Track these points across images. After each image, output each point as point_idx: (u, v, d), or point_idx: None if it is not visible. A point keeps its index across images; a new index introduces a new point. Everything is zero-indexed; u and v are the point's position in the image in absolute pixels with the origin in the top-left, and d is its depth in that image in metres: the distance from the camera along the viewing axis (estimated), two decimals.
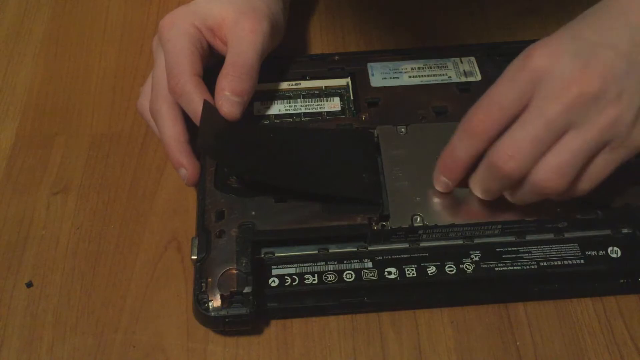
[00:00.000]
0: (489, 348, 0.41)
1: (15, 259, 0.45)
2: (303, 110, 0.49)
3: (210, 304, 0.40)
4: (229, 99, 0.44)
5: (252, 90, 0.45)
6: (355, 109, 0.49)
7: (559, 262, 0.42)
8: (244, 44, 0.45)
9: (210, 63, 0.47)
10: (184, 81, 0.43)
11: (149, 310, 0.43)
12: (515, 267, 0.42)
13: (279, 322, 0.42)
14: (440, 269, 0.42)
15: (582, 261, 0.42)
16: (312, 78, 0.51)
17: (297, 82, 0.50)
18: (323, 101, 0.49)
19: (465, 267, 0.42)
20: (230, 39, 0.46)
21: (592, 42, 0.36)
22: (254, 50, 0.45)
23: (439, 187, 0.42)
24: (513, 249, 0.43)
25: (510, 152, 0.37)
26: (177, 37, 0.45)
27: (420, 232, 0.42)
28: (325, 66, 0.52)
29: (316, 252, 0.43)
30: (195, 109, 0.43)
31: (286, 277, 0.42)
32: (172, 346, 0.41)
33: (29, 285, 0.44)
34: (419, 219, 0.42)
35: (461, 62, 0.51)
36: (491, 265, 0.42)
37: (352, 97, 0.50)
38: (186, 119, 0.45)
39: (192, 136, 0.45)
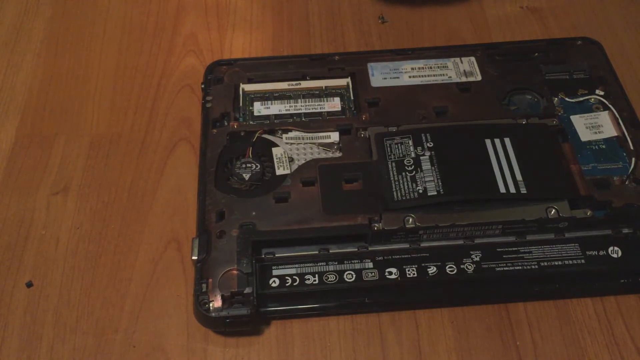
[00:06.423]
0: (489, 348, 0.41)
1: (15, 259, 0.45)
2: (303, 110, 0.49)
3: (210, 305, 0.40)
4: None
5: None
6: (356, 109, 0.49)
7: (560, 262, 0.42)
8: None
9: None
10: None
11: (149, 310, 0.43)
12: (515, 267, 0.42)
13: (279, 322, 0.42)
14: (441, 269, 0.42)
15: (582, 261, 0.42)
16: (312, 78, 0.51)
17: (297, 82, 0.50)
18: (323, 101, 0.49)
19: (466, 267, 0.42)
20: None
21: None
22: None
23: None
24: (514, 249, 0.43)
25: None
26: None
27: (421, 232, 0.42)
28: (325, 66, 0.52)
29: (317, 252, 0.43)
30: None
31: (287, 277, 0.42)
32: (172, 346, 0.41)
33: (29, 285, 0.44)
34: (410, 220, 0.42)
35: (461, 62, 0.51)
36: (492, 266, 0.42)
37: (352, 97, 0.50)
38: None
39: None
